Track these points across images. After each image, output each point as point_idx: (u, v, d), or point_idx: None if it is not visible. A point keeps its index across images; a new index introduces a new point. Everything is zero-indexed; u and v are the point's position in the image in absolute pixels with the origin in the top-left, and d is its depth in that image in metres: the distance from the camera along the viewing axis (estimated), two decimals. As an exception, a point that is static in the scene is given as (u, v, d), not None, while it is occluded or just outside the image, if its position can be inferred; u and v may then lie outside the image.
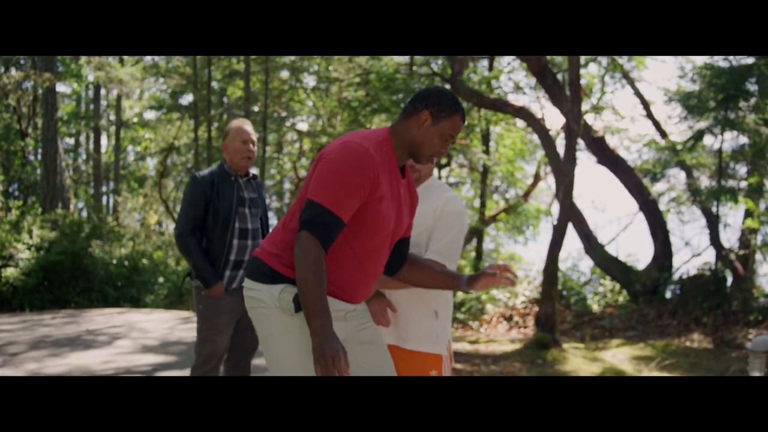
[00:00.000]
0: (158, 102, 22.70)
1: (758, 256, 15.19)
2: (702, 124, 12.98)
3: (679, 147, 13.34)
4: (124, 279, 14.97)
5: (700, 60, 13.17)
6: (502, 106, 14.69)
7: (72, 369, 6.67)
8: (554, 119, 31.59)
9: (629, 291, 14.07)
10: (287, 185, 25.46)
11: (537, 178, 20.03)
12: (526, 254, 21.25)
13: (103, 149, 25.54)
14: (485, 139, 17.92)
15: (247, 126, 4.75)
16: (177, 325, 9.62)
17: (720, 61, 12.49)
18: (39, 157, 20.00)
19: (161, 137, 24.60)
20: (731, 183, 13.45)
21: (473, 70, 16.09)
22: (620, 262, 14.81)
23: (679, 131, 14.70)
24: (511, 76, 18.25)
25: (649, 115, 16.00)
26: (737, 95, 12.12)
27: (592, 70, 17.31)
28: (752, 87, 12.67)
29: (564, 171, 10.91)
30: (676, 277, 14.03)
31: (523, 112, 14.24)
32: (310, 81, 20.77)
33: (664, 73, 44.09)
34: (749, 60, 12.18)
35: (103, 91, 23.97)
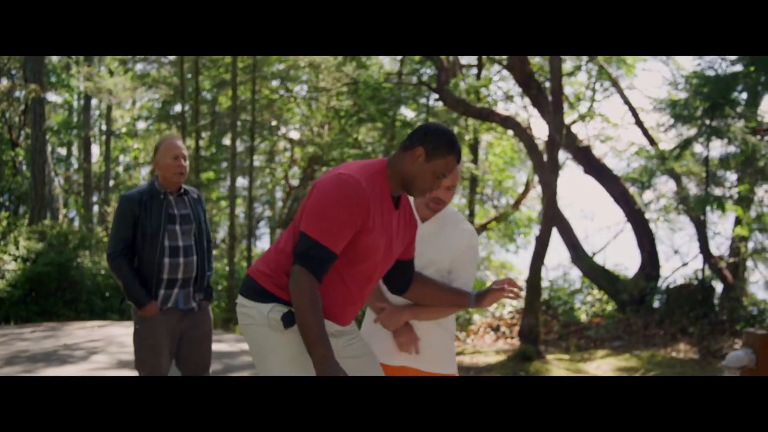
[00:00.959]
0: (149, 111, 22.70)
1: (749, 264, 15.17)
2: (689, 132, 12.95)
3: (666, 155, 13.30)
4: (112, 290, 14.88)
5: (690, 67, 13.17)
6: (488, 115, 14.66)
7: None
8: (541, 128, 31.65)
9: (616, 301, 14.01)
10: (279, 194, 25.44)
11: (527, 186, 20.00)
12: (517, 262, 21.19)
13: (94, 159, 25.50)
14: (474, 148, 17.87)
15: (178, 141, 4.67)
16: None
17: (707, 69, 12.46)
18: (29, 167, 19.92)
19: (151, 147, 24.57)
20: (720, 191, 13.43)
21: (461, 78, 16.06)
22: (607, 272, 14.76)
23: (667, 139, 14.65)
24: (500, 85, 18.24)
25: (638, 123, 15.96)
26: (723, 103, 12.09)
27: (581, 78, 17.30)
28: (739, 95, 12.65)
29: (546, 181, 10.86)
30: (663, 286, 13.97)
31: (509, 122, 14.20)
32: (301, 90, 20.77)
33: (654, 81, 44.17)
34: (736, 68, 12.15)
35: (94, 101, 23.94)
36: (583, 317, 14.25)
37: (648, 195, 14.55)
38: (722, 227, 14.94)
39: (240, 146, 20.54)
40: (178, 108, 19.63)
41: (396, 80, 16.78)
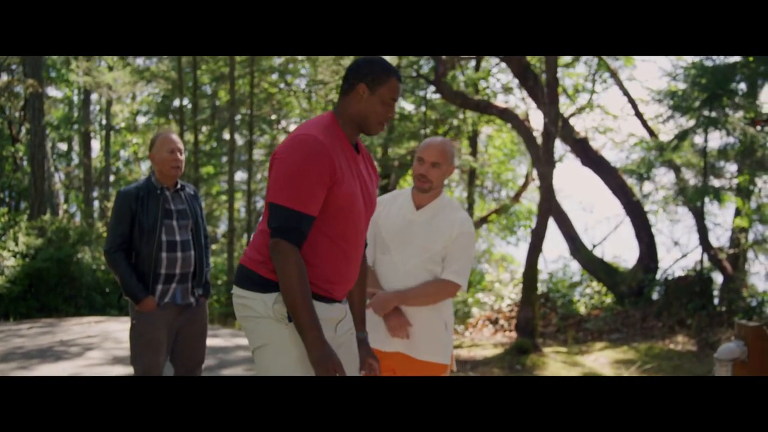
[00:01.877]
0: (149, 106, 22.69)
1: (750, 255, 15.13)
2: (688, 123, 12.92)
3: (665, 146, 13.26)
4: (112, 285, 14.90)
5: (688, 58, 13.11)
6: (486, 108, 14.64)
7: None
8: (540, 120, 31.64)
9: (615, 293, 13.99)
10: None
11: (527, 178, 19.98)
12: (517, 255, 21.16)
13: (94, 154, 25.50)
14: (473, 140, 17.85)
15: (173, 135, 4.67)
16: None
17: (705, 60, 12.42)
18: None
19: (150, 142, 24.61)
20: (719, 182, 13.39)
21: (460, 69, 16.03)
22: (605, 264, 14.74)
23: (666, 130, 14.60)
24: (498, 77, 18.21)
25: (638, 114, 15.92)
26: (722, 94, 12.05)
27: (580, 69, 17.27)
28: (737, 86, 12.61)
29: (543, 173, 10.84)
30: (662, 278, 13.95)
31: (507, 114, 14.18)
32: (301, 83, 20.76)
33: (653, 72, 44.05)
34: (734, 59, 12.11)
35: (94, 96, 23.94)
36: (582, 309, 14.23)
37: (647, 186, 14.51)
38: (722, 218, 14.89)
39: (239, 140, 20.54)
40: (177, 102, 19.64)
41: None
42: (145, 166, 26.16)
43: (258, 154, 22.09)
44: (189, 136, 18.58)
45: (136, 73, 19.51)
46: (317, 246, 2.92)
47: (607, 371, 9.62)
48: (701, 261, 12.98)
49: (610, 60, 16.22)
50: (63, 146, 27.76)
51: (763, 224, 14.60)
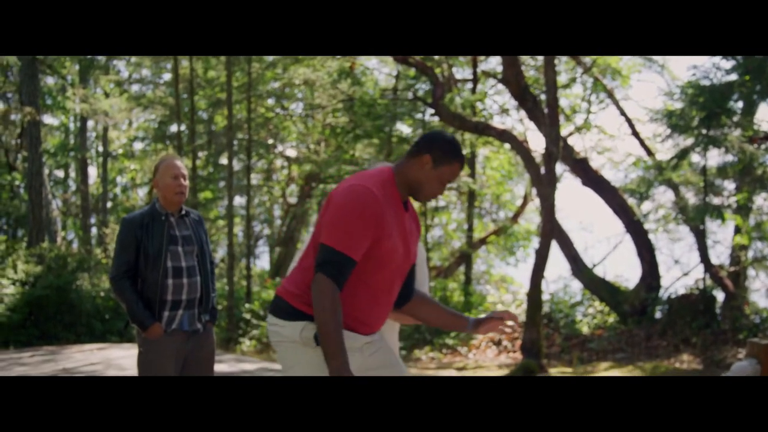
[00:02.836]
0: (146, 132, 22.69)
1: (750, 272, 15.14)
2: (686, 142, 12.95)
3: (664, 165, 13.29)
4: (112, 312, 14.82)
5: (685, 77, 13.18)
6: (484, 129, 14.67)
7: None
8: (538, 141, 31.62)
9: (618, 312, 13.97)
10: (277, 212, 25.41)
11: (526, 199, 19.98)
12: (517, 276, 21.13)
13: (91, 181, 25.47)
14: (470, 162, 17.86)
15: (177, 161, 4.64)
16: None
17: (702, 79, 12.47)
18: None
19: (147, 168, 24.56)
20: (718, 200, 13.42)
21: (456, 92, 16.07)
22: (608, 283, 14.73)
23: (664, 149, 14.64)
24: (495, 98, 18.26)
25: (635, 134, 15.97)
26: (720, 113, 12.09)
27: (576, 90, 17.33)
28: (735, 104, 12.66)
29: (544, 194, 10.84)
30: (664, 296, 13.93)
31: (505, 135, 14.21)
32: (297, 108, 20.80)
33: (649, 92, 44.24)
34: (731, 77, 12.17)
35: (90, 123, 23.95)
36: (585, 329, 14.20)
37: (647, 205, 14.54)
38: (722, 236, 14.90)
39: (237, 165, 20.54)
40: (174, 128, 19.65)
41: (391, 96, 16.79)
42: (142, 192, 26.13)
43: (255, 178, 22.10)
44: (187, 162, 18.54)
45: (132, 100, 19.55)
46: (354, 289, 3.14)
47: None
48: (704, 279, 12.98)
49: (605, 80, 16.29)
50: (60, 173, 27.72)
51: (762, 241, 14.64)
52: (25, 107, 15.98)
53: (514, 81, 12.72)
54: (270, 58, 16.97)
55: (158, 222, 4.51)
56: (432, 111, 15.62)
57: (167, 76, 21.42)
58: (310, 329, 3.09)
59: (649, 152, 15.39)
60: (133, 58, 20.61)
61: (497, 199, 20.58)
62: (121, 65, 22.35)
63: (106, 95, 20.48)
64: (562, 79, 16.24)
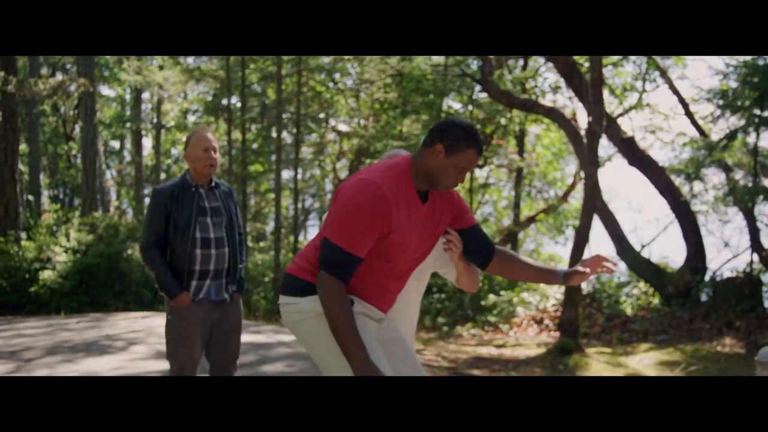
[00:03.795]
0: (199, 104, 22.94)
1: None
2: (738, 122, 12.70)
3: (714, 145, 13.05)
4: (160, 281, 15.06)
5: (741, 57, 12.87)
6: (532, 107, 14.54)
7: (80, 375, 6.74)
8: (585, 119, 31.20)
9: (662, 294, 13.81)
10: (329, 186, 25.54)
11: (576, 178, 19.79)
12: (565, 254, 20.97)
13: (145, 152, 25.88)
14: (519, 140, 17.74)
15: (208, 134, 4.70)
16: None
17: (756, 58, 12.18)
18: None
19: (185, 140, 24.85)
20: (768, 182, 13.14)
21: (507, 69, 15.93)
22: (653, 264, 14.54)
23: (716, 130, 14.36)
24: (546, 76, 18.05)
25: (688, 114, 15.67)
26: (773, 93, 11.82)
27: (629, 68, 17.05)
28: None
29: (587, 173, 10.74)
30: (710, 279, 13.72)
31: (553, 113, 14.08)
32: (348, 81, 20.83)
33: (703, 71, 43.26)
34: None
35: (145, 95, 24.30)
36: (628, 310, 14.07)
37: (696, 186, 14.28)
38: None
39: (287, 138, 20.69)
40: (226, 101, 19.85)
41: (440, 72, 16.72)
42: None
43: (305, 152, 22.23)
44: (237, 134, 18.76)
45: (185, 72, 19.76)
46: (363, 276, 3.14)
47: (651, 372, 9.49)
48: (751, 262, 12.75)
49: (659, 58, 15.99)
50: (115, 144, 28.23)
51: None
52: (80, 78, 16.28)
53: (561, 58, 12.58)
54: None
55: (188, 193, 4.59)
56: (480, 87, 15.53)
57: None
58: None
59: (702, 132, 15.10)
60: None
61: (546, 177, 20.39)
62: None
63: (161, 68, 20.72)
64: (614, 56, 16.00)
